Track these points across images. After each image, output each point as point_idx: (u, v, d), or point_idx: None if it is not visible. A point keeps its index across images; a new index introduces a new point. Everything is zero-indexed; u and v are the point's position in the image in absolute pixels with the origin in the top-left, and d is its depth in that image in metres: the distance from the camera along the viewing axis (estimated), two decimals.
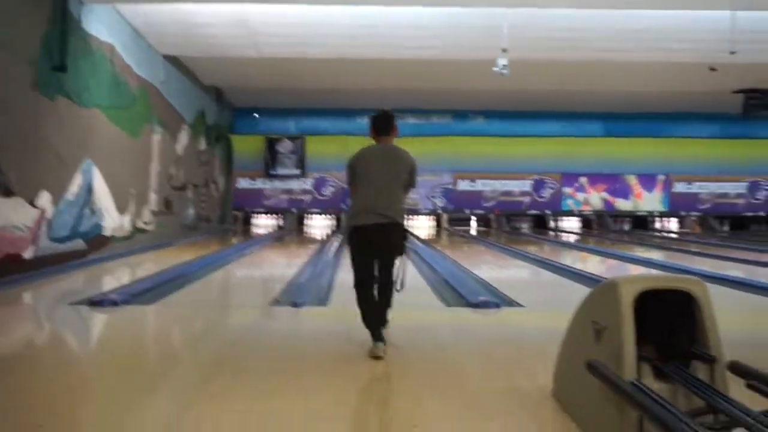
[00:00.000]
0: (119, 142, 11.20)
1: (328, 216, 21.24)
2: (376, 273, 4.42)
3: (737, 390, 2.58)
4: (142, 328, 5.49)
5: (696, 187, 21.91)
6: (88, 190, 9.95)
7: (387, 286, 4.43)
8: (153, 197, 13.11)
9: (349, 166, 4.55)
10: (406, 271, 4.49)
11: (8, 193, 7.74)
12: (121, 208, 11.33)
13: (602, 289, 2.93)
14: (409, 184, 4.52)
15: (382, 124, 4.61)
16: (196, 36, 12.28)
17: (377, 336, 4.28)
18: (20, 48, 7.97)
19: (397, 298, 4.47)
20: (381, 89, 17.66)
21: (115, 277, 8.59)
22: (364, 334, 4.36)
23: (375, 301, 4.43)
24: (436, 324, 5.41)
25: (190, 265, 9.30)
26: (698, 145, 21.63)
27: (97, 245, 10.26)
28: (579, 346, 3.02)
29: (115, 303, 5.89)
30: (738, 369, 2.63)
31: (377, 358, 4.13)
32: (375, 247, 4.37)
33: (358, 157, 4.54)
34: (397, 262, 4.44)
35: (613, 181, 21.85)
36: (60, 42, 8.87)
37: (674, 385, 2.64)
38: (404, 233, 4.43)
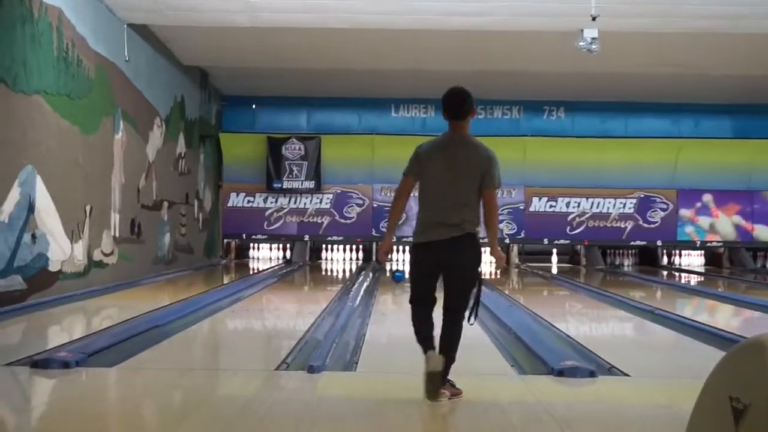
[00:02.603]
0: (70, 143, 11.36)
1: (354, 246, 21.30)
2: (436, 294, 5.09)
3: None
4: (102, 399, 5.54)
5: None
6: (29, 208, 10.09)
7: (454, 316, 5.02)
8: (115, 218, 13.30)
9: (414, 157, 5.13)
10: (480, 295, 5.06)
11: None
12: (73, 234, 11.49)
13: (742, 352, 2.91)
14: (487, 184, 4.98)
15: (454, 104, 5.25)
16: None
17: (429, 346, 4.88)
18: None
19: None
20: (423, 72, 17.64)
21: (66, 328, 8.69)
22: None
23: (431, 321, 5.04)
24: (505, 398, 5.39)
25: (166, 312, 9.37)
26: None
27: (40, 284, 10.39)
28: None
29: (66, 364, 5.95)
30: None
31: (432, 373, 4.66)
32: (441, 267, 4.99)
33: (419, 153, 5.13)
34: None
35: (750, 200, 21.62)
36: None
37: None
38: (478, 249, 4.99)
